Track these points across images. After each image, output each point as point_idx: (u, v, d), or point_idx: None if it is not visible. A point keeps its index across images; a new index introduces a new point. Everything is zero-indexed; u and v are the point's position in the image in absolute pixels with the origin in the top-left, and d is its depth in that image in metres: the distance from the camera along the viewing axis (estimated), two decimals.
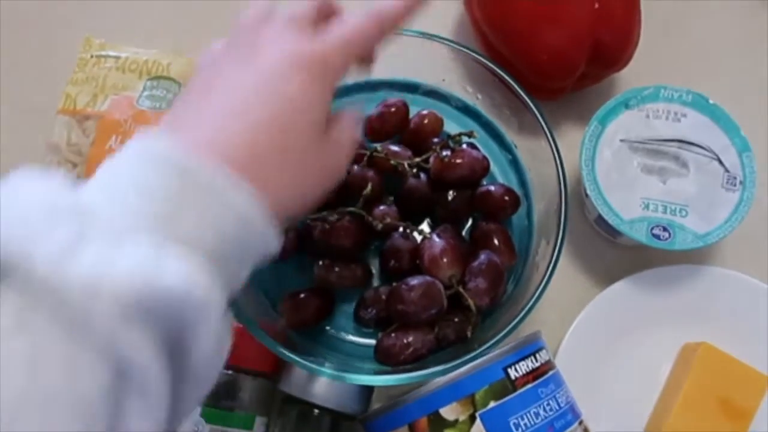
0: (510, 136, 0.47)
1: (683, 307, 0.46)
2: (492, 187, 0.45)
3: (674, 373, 0.45)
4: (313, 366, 0.36)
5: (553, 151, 0.41)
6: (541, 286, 0.38)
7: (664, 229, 0.43)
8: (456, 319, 0.41)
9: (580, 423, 0.36)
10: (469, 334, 0.41)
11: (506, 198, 0.45)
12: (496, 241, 0.44)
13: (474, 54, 0.44)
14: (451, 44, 0.44)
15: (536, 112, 0.42)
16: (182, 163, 0.25)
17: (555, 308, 0.46)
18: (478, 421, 0.33)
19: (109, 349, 0.22)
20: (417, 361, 0.41)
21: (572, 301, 0.46)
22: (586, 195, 0.45)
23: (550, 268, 0.38)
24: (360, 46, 0.30)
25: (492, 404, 0.33)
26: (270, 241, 0.27)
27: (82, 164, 0.49)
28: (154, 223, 0.24)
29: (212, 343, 0.24)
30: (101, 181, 0.25)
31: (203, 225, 0.24)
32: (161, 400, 0.23)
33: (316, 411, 0.40)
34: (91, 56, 0.53)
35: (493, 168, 0.47)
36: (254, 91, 0.28)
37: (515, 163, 0.47)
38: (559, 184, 0.40)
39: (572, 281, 0.48)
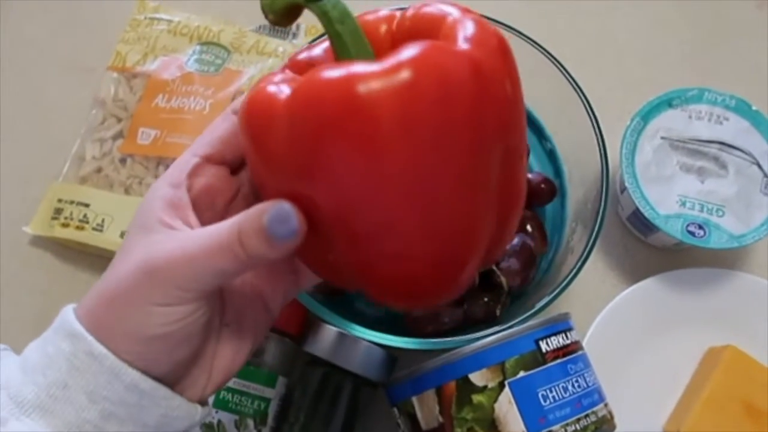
0: (550, 127, 0.48)
1: (710, 310, 0.46)
2: (530, 175, 0.45)
3: (698, 375, 0.45)
4: (345, 322, 0.37)
5: (598, 141, 0.41)
6: (577, 266, 0.38)
7: (700, 227, 0.43)
8: (485, 299, 0.42)
9: (606, 405, 0.36)
10: (498, 312, 0.41)
11: (543, 186, 0.45)
12: (529, 228, 0.44)
13: (524, 37, 0.44)
14: (500, 26, 0.45)
15: (584, 101, 0.42)
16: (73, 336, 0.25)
17: (581, 302, 0.46)
18: (507, 388, 0.33)
19: None
20: (443, 335, 0.41)
21: (598, 296, 0.46)
22: (623, 189, 0.45)
23: (586, 252, 0.39)
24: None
25: (522, 374, 0.33)
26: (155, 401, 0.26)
27: (126, 119, 0.50)
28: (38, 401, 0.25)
29: None
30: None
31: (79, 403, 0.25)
32: None
33: (339, 374, 0.41)
34: (144, 18, 0.54)
35: (531, 157, 0.47)
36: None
37: (553, 153, 0.48)
38: (602, 169, 0.41)
39: (600, 277, 0.48)
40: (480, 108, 0.23)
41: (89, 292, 0.26)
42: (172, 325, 0.25)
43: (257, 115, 0.24)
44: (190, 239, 0.25)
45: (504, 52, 0.25)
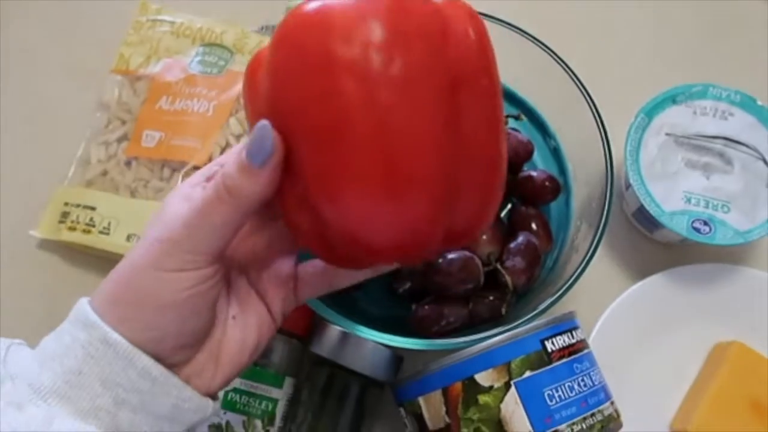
0: (553, 124, 0.48)
1: (716, 306, 0.45)
2: (534, 173, 0.45)
3: (704, 372, 0.45)
4: (351, 323, 0.37)
5: (602, 138, 0.41)
6: (582, 266, 0.38)
7: (705, 224, 0.43)
8: (491, 297, 0.42)
9: (612, 403, 0.36)
10: (503, 312, 0.41)
11: (547, 184, 0.45)
12: (534, 226, 0.44)
13: (527, 35, 0.44)
14: (503, 24, 0.45)
15: (588, 99, 0.42)
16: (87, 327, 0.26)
17: (586, 299, 0.46)
18: (513, 389, 0.33)
19: None
20: (449, 334, 0.41)
21: (604, 293, 0.46)
22: (628, 186, 0.45)
23: (592, 249, 0.39)
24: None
25: (528, 374, 0.34)
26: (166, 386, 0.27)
27: (131, 122, 0.50)
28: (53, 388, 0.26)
29: None
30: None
31: (92, 388, 0.26)
32: None
33: (346, 375, 0.41)
34: (147, 20, 0.54)
35: (534, 155, 0.47)
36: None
37: (557, 151, 0.48)
38: (606, 167, 0.41)
39: (605, 274, 0.48)
40: (442, 50, 0.25)
41: (102, 283, 0.28)
42: (183, 292, 0.26)
43: (251, 66, 0.27)
44: (187, 207, 0.27)
45: (472, 14, 0.27)
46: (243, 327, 0.30)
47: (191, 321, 0.27)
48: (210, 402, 0.29)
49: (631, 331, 0.45)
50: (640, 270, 0.48)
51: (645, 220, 0.46)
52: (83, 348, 0.26)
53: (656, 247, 0.48)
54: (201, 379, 0.28)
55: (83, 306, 0.27)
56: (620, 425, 0.36)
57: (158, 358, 0.27)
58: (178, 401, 0.27)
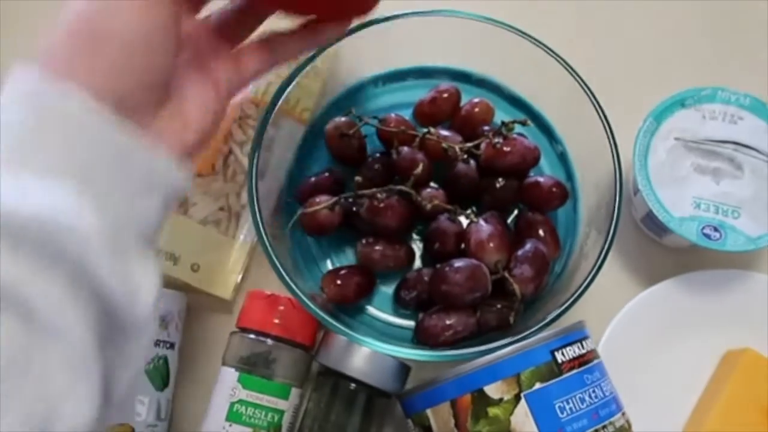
0: (560, 129, 0.47)
1: (727, 313, 0.45)
2: (541, 179, 0.45)
3: (715, 379, 0.44)
4: (357, 336, 0.36)
5: (610, 143, 0.41)
6: (592, 273, 0.38)
7: (716, 230, 0.42)
8: (498, 306, 0.41)
9: (623, 414, 0.36)
10: (511, 320, 0.40)
11: (554, 190, 0.44)
12: (541, 233, 0.44)
13: (532, 39, 0.44)
14: (509, 29, 0.44)
15: (595, 103, 0.42)
16: (35, 92, 0.25)
17: (595, 306, 0.45)
18: (523, 401, 0.33)
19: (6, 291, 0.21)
20: (456, 344, 0.40)
21: (613, 299, 0.46)
22: (636, 191, 0.44)
23: (602, 256, 0.38)
24: None
25: (538, 386, 0.33)
26: (150, 157, 0.26)
27: None
28: (8, 156, 0.23)
29: (121, 276, 0.23)
30: None
31: (55, 152, 0.24)
32: (84, 348, 0.22)
33: (352, 385, 0.40)
34: None
35: (541, 160, 0.47)
36: None
37: (564, 156, 0.47)
38: (615, 174, 0.40)
39: (614, 280, 0.48)
40: None
41: (41, 43, 0.27)
42: (148, 23, 0.26)
43: None
44: None
45: None
46: (201, 83, 0.31)
47: (157, 57, 0.26)
48: (186, 164, 0.28)
49: (641, 339, 0.44)
50: (650, 276, 0.47)
51: (654, 225, 0.45)
52: (36, 113, 0.24)
53: (665, 252, 0.48)
54: (170, 133, 0.28)
55: (22, 76, 0.25)
56: None
57: (123, 116, 0.25)
58: (151, 163, 0.26)
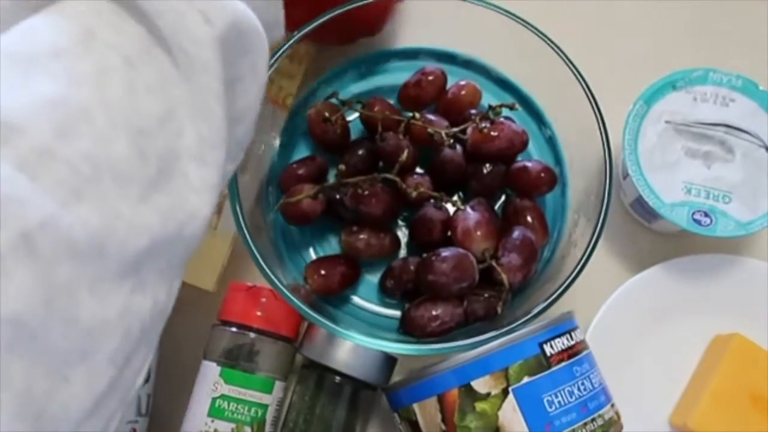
0: (549, 112, 0.46)
1: (716, 298, 0.44)
2: (529, 164, 0.43)
3: (704, 364, 0.44)
4: (340, 330, 0.35)
5: (599, 127, 0.40)
6: (581, 263, 0.37)
7: (706, 215, 0.41)
8: (486, 295, 0.40)
9: (612, 406, 0.35)
10: (499, 310, 0.40)
11: (543, 175, 0.43)
12: (529, 219, 0.43)
13: (519, 20, 0.42)
14: (496, 9, 0.42)
15: (584, 86, 0.41)
16: None
17: (584, 292, 0.44)
18: (511, 395, 0.32)
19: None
20: (443, 334, 0.40)
21: (602, 285, 0.45)
22: (626, 176, 0.43)
23: (591, 245, 0.37)
24: None
25: (526, 380, 0.32)
26: None
27: None
28: None
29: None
30: None
31: None
32: (217, 121, 0.25)
33: (337, 378, 0.40)
34: None
35: (529, 145, 0.45)
36: None
37: (552, 141, 0.46)
38: (605, 160, 0.39)
39: (603, 265, 0.47)
40: None
41: None
42: None
43: None
44: None
45: None
46: None
47: None
48: None
49: (630, 324, 0.44)
50: (639, 261, 0.46)
51: (643, 211, 0.44)
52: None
53: (654, 237, 0.47)
54: None
55: None
56: (621, 428, 0.35)
57: None
58: None
